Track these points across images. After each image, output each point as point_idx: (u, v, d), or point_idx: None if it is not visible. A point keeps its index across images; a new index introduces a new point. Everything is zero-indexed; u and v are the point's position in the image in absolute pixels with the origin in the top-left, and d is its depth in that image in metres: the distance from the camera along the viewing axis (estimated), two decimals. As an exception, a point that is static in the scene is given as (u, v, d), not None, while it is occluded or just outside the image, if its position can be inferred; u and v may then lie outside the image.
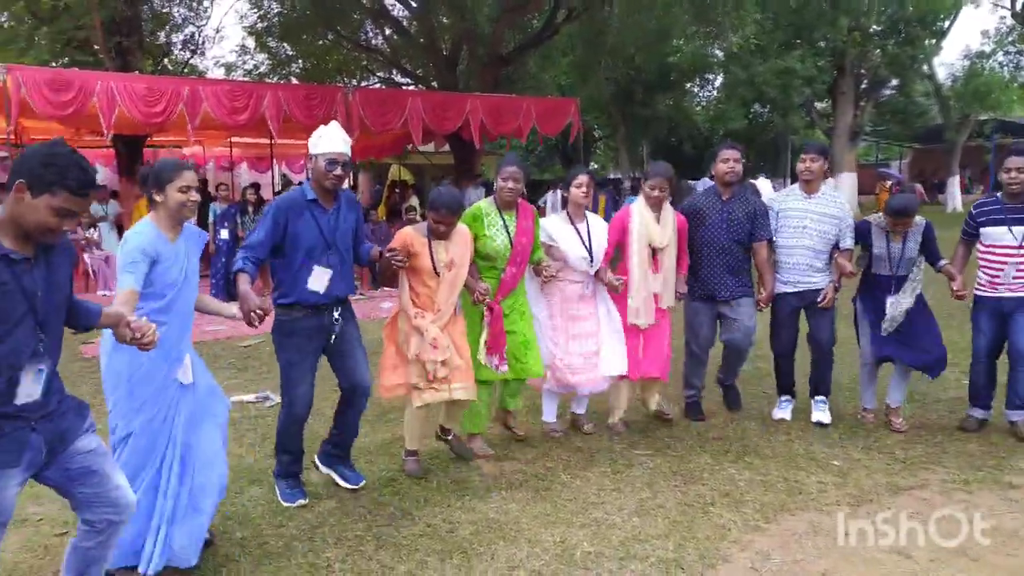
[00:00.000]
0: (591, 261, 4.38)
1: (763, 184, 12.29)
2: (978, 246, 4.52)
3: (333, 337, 3.61)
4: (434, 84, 17.37)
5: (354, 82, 19.24)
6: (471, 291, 3.95)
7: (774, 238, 4.68)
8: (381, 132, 12.11)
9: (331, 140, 3.51)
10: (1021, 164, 4.27)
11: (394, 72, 19.83)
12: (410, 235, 3.87)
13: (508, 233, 4.09)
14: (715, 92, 28.08)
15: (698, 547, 3.21)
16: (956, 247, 4.64)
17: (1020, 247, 4.30)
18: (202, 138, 14.90)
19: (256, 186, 12.54)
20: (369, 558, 3.15)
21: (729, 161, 4.60)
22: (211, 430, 3.01)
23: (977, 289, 4.51)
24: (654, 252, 4.50)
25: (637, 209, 4.52)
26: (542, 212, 8.69)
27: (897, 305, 4.45)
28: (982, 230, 4.45)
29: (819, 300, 4.56)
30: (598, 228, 4.51)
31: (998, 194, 4.47)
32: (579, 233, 4.40)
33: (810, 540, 3.27)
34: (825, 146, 4.87)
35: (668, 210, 4.55)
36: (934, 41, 24.21)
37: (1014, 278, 4.33)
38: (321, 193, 3.54)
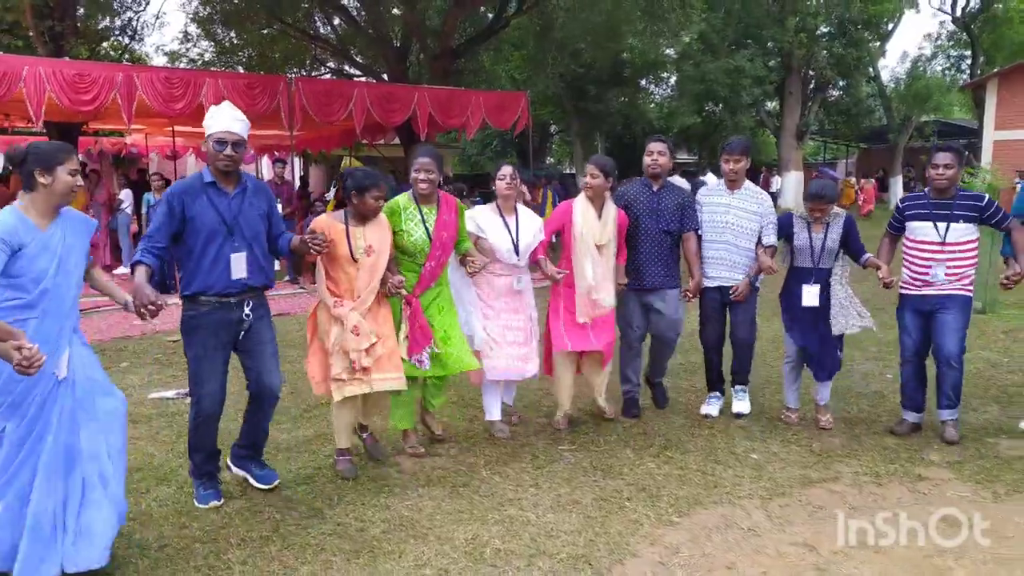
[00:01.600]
0: (517, 253, 4.36)
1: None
2: (904, 241, 4.51)
3: (242, 333, 3.49)
4: (384, 76, 17.14)
5: (303, 72, 18.88)
6: (385, 283, 3.87)
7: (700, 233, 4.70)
8: (326, 123, 11.89)
9: (220, 120, 3.38)
10: (948, 160, 4.27)
11: (344, 63, 19.51)
12: (326, 222, 3.80)
13: (426, 227, 4.02)
14: (669, 90, 28.33)
15: (609, 542, 3.20)
16: (881, 240, 4.64)
17: (943, 243, 4.30)
18: (144, 126, 14.47)
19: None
20: (272, 559, 3.07)
21: (653, 154, 4.62)
22: (94, 428, 2.84)
23: (901, 287, 4.49)
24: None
25: (580, 203, 4.50)
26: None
27: (836, 296, 4.45)
28: (908, 224, 4.44)
29: (731, 293, 4.60)
30: (527, 221, 4.49)
31: (925, 189, 4.49)
32: (507, 225, 4.39)
33: (720, 534, 3.29)
34: (748, 143, 4.86)
35: (610, 207, 4.51)
36: (878, 43, 24.83)
37: (945, 275, 4.29)
38: (219, 176, 3.41)
